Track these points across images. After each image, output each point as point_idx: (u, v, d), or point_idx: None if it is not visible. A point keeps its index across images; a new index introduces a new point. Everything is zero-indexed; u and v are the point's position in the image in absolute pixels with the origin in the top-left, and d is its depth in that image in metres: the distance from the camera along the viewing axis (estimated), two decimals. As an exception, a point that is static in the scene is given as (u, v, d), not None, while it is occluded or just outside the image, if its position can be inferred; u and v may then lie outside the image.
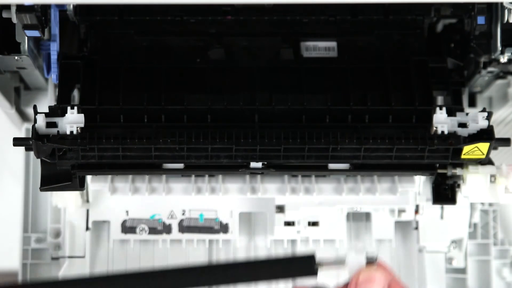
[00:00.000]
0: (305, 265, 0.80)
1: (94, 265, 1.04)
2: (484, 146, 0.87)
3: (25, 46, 0.86)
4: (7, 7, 0.83)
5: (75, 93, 0.92)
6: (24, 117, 1.06)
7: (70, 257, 1.04)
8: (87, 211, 1.04)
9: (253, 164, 0.88)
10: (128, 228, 1.03)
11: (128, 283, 0.80)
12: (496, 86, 1.03)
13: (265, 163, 0.88)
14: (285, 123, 0.88)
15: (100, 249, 1.04)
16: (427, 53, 0.94)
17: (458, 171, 0.90)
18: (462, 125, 0.87)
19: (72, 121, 0.85)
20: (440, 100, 0.94)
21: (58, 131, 0.85)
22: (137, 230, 1.03)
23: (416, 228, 1.04)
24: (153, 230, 1.03)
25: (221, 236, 1.03)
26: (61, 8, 0.91)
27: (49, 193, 1.03)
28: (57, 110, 0.86)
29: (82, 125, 0.85)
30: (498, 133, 0.86)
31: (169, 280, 0.80)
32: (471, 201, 0.98)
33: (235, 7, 0.94)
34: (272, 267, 0.81)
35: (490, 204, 1.09)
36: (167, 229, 1.03)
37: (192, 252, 1.03)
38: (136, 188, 1.01)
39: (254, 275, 0.81)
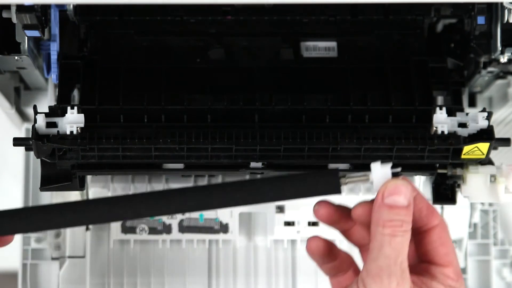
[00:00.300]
0: (329, 181, 0.79)
1: (94, 265, 1.04)
2: (484, 146, 0.86)
3: (25, 46, 0.86)
4: (7, 7, 0.83)
5: (75, 93, 0.91)
6: (24, 117, 1.06)
7: (70, 257, 1.04)
8: (87, 211, 1.04)
9: (253, 164, 0.88)
10: (128, 228, 1.03)
11: (140, 203, 0.79)
12: (496, 86, 1.03)
13: (265, 163, 0.88)
14: (285, 123, 0.88)
15: (100, 249, 1.04)
16: (427, 53, 0.94)
17: (458, 171, 0.90)
18: (462, 125, 0.87)
19: (72, 121, 0.85)
20: (440, 100, 0.94)
21: (58, 131, 0.85)
22: (137, 230, 1.03)
23: (416, 228, 1.04)
24: (153, 230, 1.03)
25: (221, 236, 1.03)
26: (61, 8, 0.91)
27: (49, 193, 1.03)
28: (57, 110, 0.86)
29: (82, 125, 0.85)
30: (498, 133, 0.86)
31: (188, 200, 0.79)
32: (471, 201, 0.98)
33: (235, 7, 0.94)
34: (295, 184, 0.80)
35: (490, 204, 1.09)
36: (167, 229, 1.03)
37: (192, 252, 1.04)
38: (136, 188, 1.01)
39: (276, 194, 0.79)
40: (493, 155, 0.90)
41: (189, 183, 1.01)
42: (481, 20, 0.88)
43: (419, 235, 0.79)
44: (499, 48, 0.88)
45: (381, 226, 0.76)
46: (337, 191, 0.79)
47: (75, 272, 1.04)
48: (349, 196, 1.02)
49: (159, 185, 1.01)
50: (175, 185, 1.01)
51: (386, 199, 0.76)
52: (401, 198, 0.76)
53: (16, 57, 0.87)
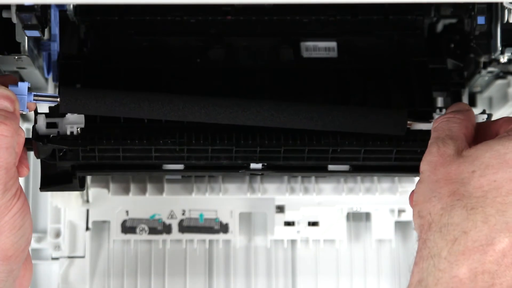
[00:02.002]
0: (397, 120, 0.83)
1: (94, 265, 1.04)
2: (484, 147, 0.86)
3: (25, 46, 0.86)
4: (7, 7, 0.83)
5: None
6: (24, 117, 1.06)
7: (70, 257, 1.04)
8: (87, 211, 1.04)
9: (253, 165, 0.88)
10: (128, 228, 1.03)
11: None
12: (496, 86, 1.03)
13: (265, 164, 0.88)
14: (285, 124, 0.88)
15: (100, 249, 1.04)
16: (427, 54, 0.94)
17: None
18: (462, 126, 0.87)
19: (72, 121, 0.85)
20: (440, 101, 0.94)
21: (58, 132, 0.85)
22: (137, 230, 1.03)
23: (416, 228, 1.04)
24: (153, 230, 1.03)
25: (221, 236, 1.03)
26: (61, 8, 0.91)
27: (49, 193, 1.03)
28: (57, 111, 0.86)
29: (82, 125, 0.85)
30: (498, 134, 0.86)
31: (262, 112, 0.82)
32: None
33: (235, 7, 0.94)
34: (365, 117, 0.83)
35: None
36: (167, 229, 1.03)
37: (192, 252, 1.04)
38: (136, 188, 1.01)
39: (346, 123, 0.83)
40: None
41: (189, 183, 1.01)
42: (481, 20, 0.88)
43: None
44: (499, 48, 0.88)
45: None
46: (402, 131, 0.83)
47: (75, 272, 1.04)
48: (348, 196, 1.02)
49: (159, 185, 1.01)
50: (175, 185, 1.01)
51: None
52: (451, 108, 0.81)
53: (16, 57, 0.87)
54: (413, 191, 0.77)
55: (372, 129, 0.83)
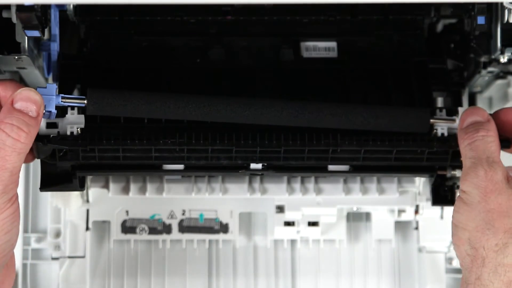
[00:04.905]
0: (420, 117, 0.85)
1: (94, 265, 1.04)
2: (483, 147, 0.86)
3: (25, 46, 0.86)
4: (7, 7, 0.83)
5: (75, 93, 0.92)
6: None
7: (70, 257, 1.04)
8: (87, 211, 1.04)
9: (253, 166, 0.88)
10: (128, 228, 1.03)
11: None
12: (496, 86, 1.03)
13: (265, 164, 0.88)
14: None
15: (100, 249, 1.04)
16: (427, 54, 0.94)
17: (457, 172, 0.90)
18: (462, 126, 0.87)
19: (73, 121, 0.85)
20: (440, 101, 0.94)
21: (58, 132, 0.85)
22: (137, 230, 1.03)
23: (416, 228, 1.05)
24: (153, 230, 1.03)
25: (221, 236, 1.03)
26: (61, 8, 0.91)
27: (49, 193, 1.03)
28: (58, 111, 0.86)
29: (83, 125, 0.85)
30: (498, 134, 0.86)
31: (283, 112, 0.84)
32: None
33: (235, 7, 0.94)
34: (389, 114, 0.84)
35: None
36: (167, 229, 1.03)
37: (192, 252, 1.04)
38: (136, 188, 1.01)
39: (369, 120, 0.84)
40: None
41: (189, 183, 1.01)
42: (481, 20, 0.88)
43: None
44: (499, 48, 0.88)
45: (461, 141, 0.81)
46: (425, 128, 0.85)
47: (75, 272, 1.04)
48: (348, 196, 1.02)
49: (159, 185, 1.01)
50: (175, 185, 1.01)
51: (464, 126, 0.82)
52: (473, 117, 0.82)
53: (16, 57, 0.87)
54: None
55: (395, 127, 0.85)
